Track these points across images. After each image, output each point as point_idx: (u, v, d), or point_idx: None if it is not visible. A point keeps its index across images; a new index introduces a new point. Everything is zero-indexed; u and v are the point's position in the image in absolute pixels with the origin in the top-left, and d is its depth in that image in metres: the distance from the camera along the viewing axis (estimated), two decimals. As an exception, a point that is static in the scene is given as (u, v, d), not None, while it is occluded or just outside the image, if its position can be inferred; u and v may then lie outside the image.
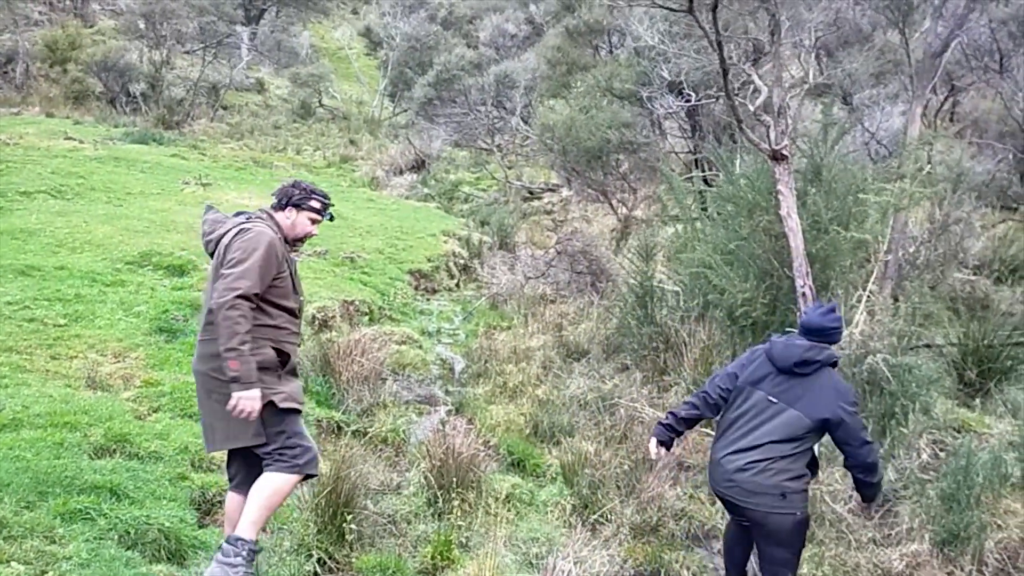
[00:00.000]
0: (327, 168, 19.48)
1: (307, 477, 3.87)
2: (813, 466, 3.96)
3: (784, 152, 6.06)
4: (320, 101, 26.68)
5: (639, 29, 9.53)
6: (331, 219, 4.04)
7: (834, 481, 5.16)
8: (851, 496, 5.03)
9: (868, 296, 6.02)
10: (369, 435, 5.85)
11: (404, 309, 9.40)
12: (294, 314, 3.86)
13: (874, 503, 3.68)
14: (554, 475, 5.58)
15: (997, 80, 11.08)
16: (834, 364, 3.90)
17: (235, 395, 3.51)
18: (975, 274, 9.30)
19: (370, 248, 10.93)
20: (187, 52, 23.71)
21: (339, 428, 5.90)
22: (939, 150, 11.09)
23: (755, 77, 6.51)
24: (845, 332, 5.77)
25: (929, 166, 8.13)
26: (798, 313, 6.16)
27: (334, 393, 6.44)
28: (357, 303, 8.56)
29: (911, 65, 7.86)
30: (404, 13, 29.12)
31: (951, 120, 14.97)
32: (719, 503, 5.15)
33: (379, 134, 23.90)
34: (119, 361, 6.12)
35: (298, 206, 3.89)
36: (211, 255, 3.83)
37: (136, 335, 6.59)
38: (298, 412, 3.82)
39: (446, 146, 21.03)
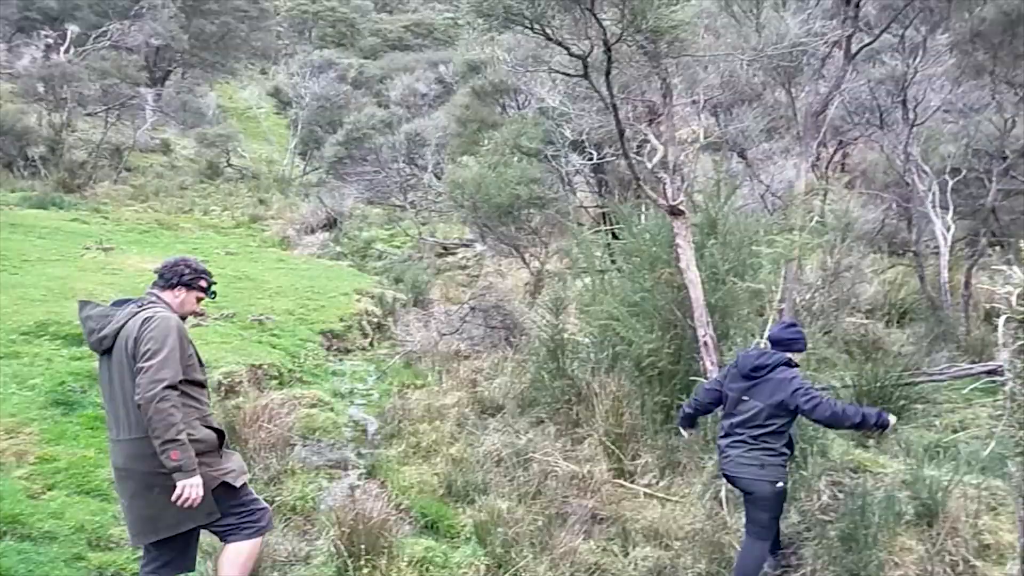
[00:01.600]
0: (236, 228, 19.18)
1: None
2: (789, 447, 4.88)
3: (681, 207, 6.31)
4: (228, 161, 26.36)
5: (541, 92, 9.82)
6: (213, 297, 4.12)
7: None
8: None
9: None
10: (277, 504, 5.71)
11: (316, 371, 9.25)
12: (203, 386, 3.91)
13: (875, 426, 4.68)
14: (468, 535, 5.53)
15: (880, 134, 11.76)
16: (788, 363, 4.83)
17: (180, 484, 3.53)
18: (867, 318, 9.75)
19: (280, 309, 10.77)
20: (89, 114, 23.14)
21: (247, 498, 5.73)
22: (831, 199, 11.67)
23: (651, 136, 6.77)
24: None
25: (819, 216, 8.54)
26: (700, 362, 6.36)
27: (241, 462, 6.26)
28: (266, 367, 8.39)
29: (799, 122, 8.29)
30: (314, 73, 29.22)
31: (842, 170, 15.77)
32: (631, 552, 5.25)
33: (290, 193, 23.74)
34: (12, 437, 5.85)
35: (188, 286, 3.94)
36: (104, 352, 3.77)
37: (31, 409, 6.32)
38: (247, 482, 3.93)
39: (358, 204, 21.01)
